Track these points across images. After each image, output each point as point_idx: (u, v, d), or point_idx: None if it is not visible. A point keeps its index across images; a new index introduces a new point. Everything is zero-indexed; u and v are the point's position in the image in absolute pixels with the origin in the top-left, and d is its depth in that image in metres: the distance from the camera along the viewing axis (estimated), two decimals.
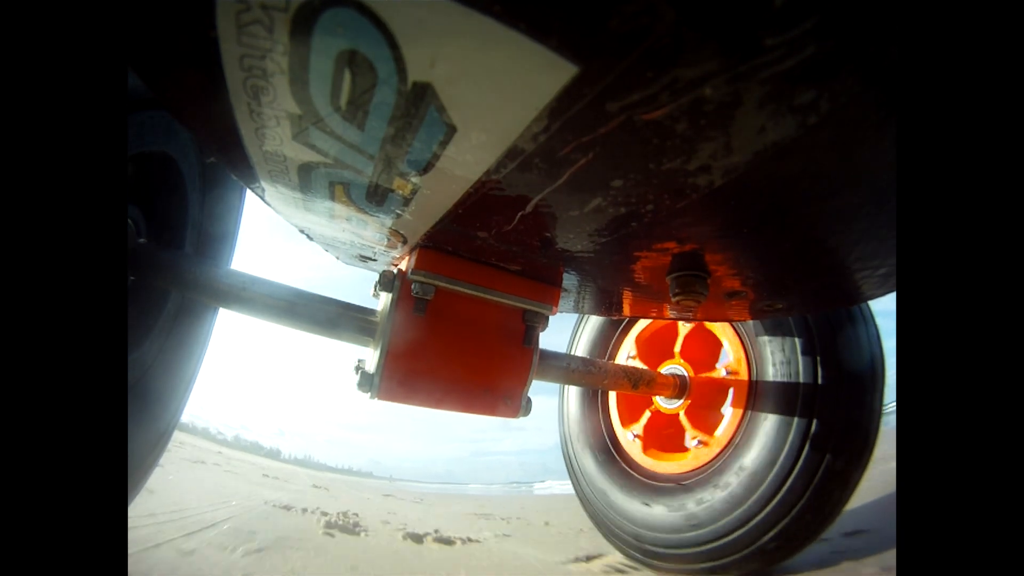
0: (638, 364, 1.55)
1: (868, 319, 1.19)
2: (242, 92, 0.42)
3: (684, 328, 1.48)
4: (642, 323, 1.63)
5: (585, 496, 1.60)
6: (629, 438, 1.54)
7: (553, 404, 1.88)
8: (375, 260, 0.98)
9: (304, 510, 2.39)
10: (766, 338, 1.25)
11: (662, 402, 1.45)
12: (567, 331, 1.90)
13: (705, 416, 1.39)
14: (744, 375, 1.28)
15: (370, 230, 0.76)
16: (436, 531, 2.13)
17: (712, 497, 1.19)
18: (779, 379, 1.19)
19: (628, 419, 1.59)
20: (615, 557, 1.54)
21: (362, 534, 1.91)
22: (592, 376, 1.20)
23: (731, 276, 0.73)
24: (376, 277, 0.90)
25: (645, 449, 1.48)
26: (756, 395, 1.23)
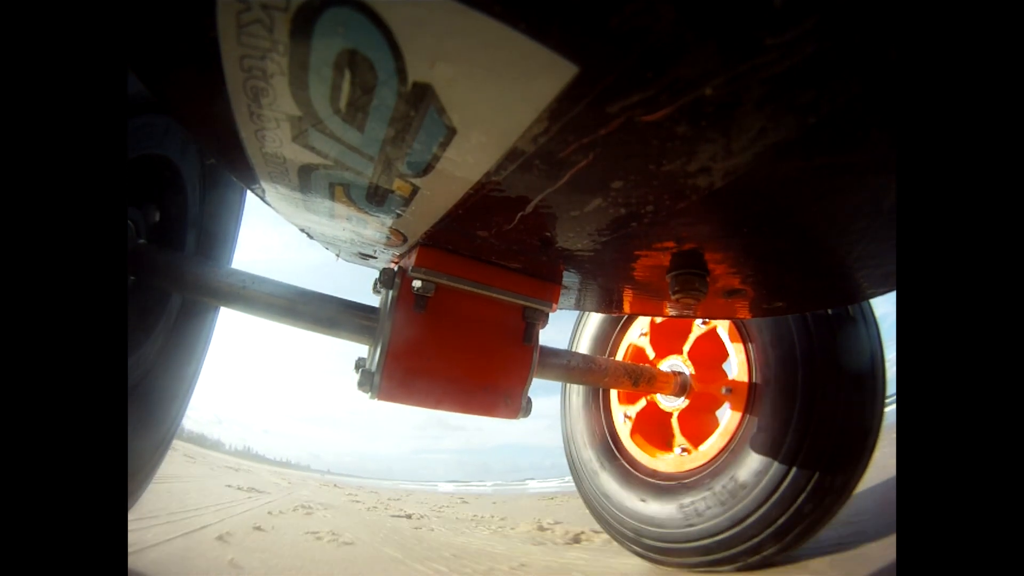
0: (647, 345, 1.55)
1: (868, 318, 1.19)
2: (242, 93, 0.42)
3: (698, 330, 1.47)
4: None
5: (599, 509, 1.55)
6: (620, 418, 1.55)
7: None
8: (375, 257, 0.98)
9: None
10: (767, 340, 1.24)
11: (662, 399, 1.44)
12: (566, 331, 1.90)
13: (699, 421, 1.39)
14: (744, 379, 1.28)
15: (370, 229, 0.76)
16: None
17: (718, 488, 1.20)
18: (778, 382, 1.19)
19: (625, 398, 1.59)
20: None
21: None
22: (593, 374, 1.20)
23: (731, 275, 0.73)
24: (376, 274, 0.91)
25: (632, 434, 1.50)
26: (755, 398, 1.23)
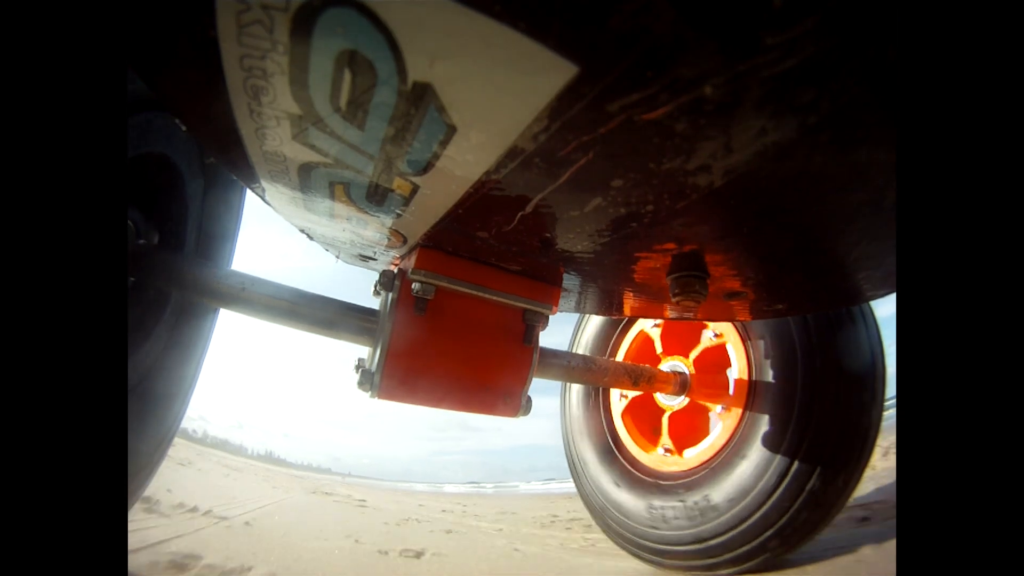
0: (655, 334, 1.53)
1: (869, 318, 1.19)
2: (242, 92, 0.42)
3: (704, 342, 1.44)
4: None
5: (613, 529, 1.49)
6: (661, 453, 1.44)
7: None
8: (375, 259, 0.97)
9: None
10: (766, 338, 1.24)
11: (664, 400, 1.44)
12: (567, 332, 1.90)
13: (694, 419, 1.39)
14: (744, 376, 1.28)
15: (370, 230, 0.76)
16: None
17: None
18: (778, 380, 1.19)
19: (651, 440, 1.50)
20: None
21: None
22: (592, 373, 1.19)
23: (731, 276, 0.73)
24: (376, 276, 0.90)
25: (680, 452, 1.40)
26: (755, 395, 1.23)
